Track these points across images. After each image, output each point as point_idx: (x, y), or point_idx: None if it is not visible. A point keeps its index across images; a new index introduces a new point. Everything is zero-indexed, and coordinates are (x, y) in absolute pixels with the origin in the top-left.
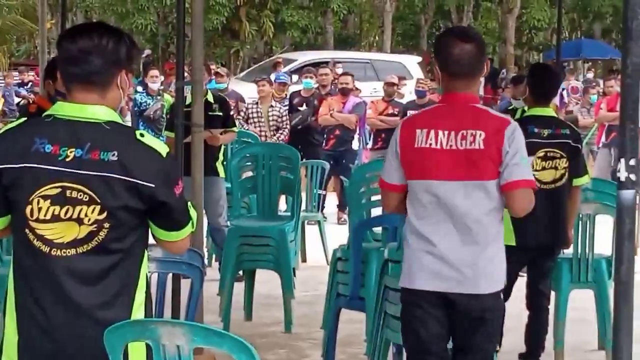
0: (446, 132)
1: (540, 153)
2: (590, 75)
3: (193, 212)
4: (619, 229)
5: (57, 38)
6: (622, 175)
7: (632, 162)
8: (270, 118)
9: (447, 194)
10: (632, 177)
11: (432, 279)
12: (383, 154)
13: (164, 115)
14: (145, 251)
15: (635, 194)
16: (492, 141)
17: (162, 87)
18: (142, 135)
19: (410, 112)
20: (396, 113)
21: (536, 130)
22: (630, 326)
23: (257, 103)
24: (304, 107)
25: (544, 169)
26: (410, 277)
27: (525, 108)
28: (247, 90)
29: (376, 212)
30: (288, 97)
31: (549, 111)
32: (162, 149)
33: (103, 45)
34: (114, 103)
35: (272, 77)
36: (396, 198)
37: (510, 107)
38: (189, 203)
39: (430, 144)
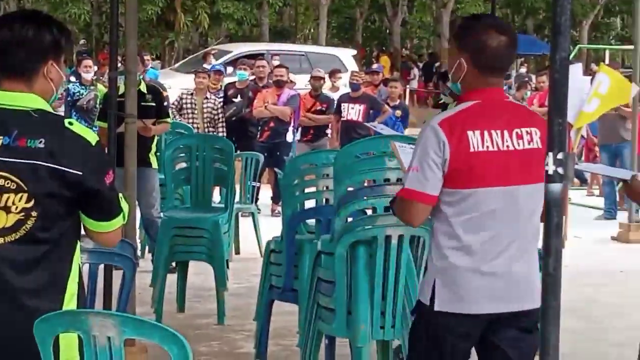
0: (499, 132)
1: None
2: (523, 70)
3: (124, 205)
4: (546, 222)
5: None
6: (550, 168)
7: (560, 155)
8: (205, 110)
9: (511, 199)
10: (560, 170)
11: (490, 301)
12: (313, 146)
13: (97, 106)
14: (78, 242)
15: (563, 187)
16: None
17: (95, 77)
18: (70, 123)
19: (344, 105)
20: (324, 109)
21: None
22: (557, 318)
23: (191, 94)
24: (239, 98)
25: None
26: (460, 301)
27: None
28: (181, 82)
29: (310, 204)
30: (223, 88)
31: None
32: (91, 137)
33: (24, 35)
34: (43, 94)
35: (205, 67)
36: (429, 210)
37: (441, 102)
38: (121, 195)
39: (488, 147)
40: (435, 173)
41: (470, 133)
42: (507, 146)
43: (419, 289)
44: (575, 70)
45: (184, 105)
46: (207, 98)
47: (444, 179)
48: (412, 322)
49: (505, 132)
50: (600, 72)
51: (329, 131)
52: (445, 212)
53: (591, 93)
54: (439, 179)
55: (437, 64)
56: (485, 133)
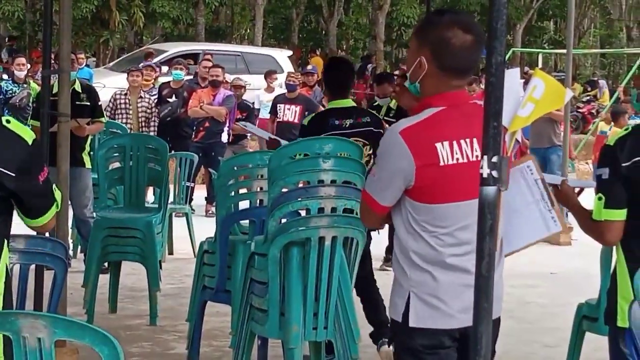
0: (468, 141)
1: None
2: None
3: (57, 193)
4: (480, 225)
5: None
6: (485, 172)
7: (494, 159)
8: (140, 109)
9: None
10: (494, 173)
11: (466, 313)
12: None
13: (30, 104)
14: (5, 241)
15: (497, 190)
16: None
17: (29, 75)
18: (8, 121)
19: (280, 106)
20: (243, 117)
21: (337, 122)
22: (489, 320)
23: (125, 94)
24: (173, 98)
25: None
26: (438, 316)
27: (391, 104)
28: (116, 81)
29: (244, 205)
30: (157, 87)
31: (348, 102)
32: (28, 135)
33: None
34: None
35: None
36: (380, 219)
37: (375, 104)
38: (54, 185)
39: (458, 159)
40: (392, 186)
41: (438, 145)
42: (477, 156)
43: (389, 306)
44: (512, 75)
45: (119, 105)
46: (141, 97)
47: (412, 193)
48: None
49: (475, 140)
50: (535, 77)
51: (249, 135)
52: (415, 227)
53: (526, 97)
54: (396, 192)
55: (371, 66)
56: (454, 144)
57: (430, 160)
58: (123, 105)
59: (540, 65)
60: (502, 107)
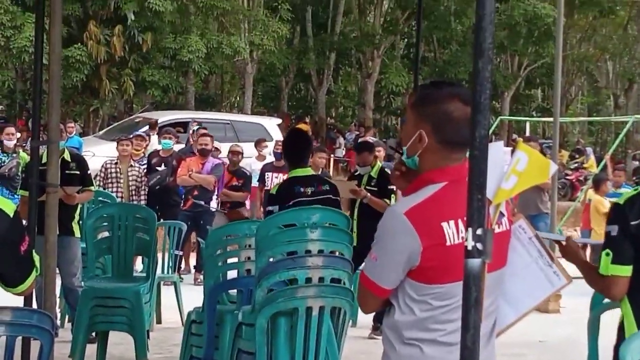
0: None
1: None
2: None
3: (36, 258)
4: (465, 297)
5: None
6: (470, 244)
7: (479, 231)
8: (130, 178)
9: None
10: (479, 246)
11: None
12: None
13: (19, 174)
14: None
15: (482, 262)
16: (511, 219)
17: (18, 145)
18: None
19: (268, 174)
20: (240, 185)
21: (302, 189)
22: None
23: (116, 163)
24: (163, 167)
25: None
26: None
27: (372, 173)
28: (106, 149)
29: (232, 274)
30: (146, 156)
31: (308, 171)
32: (9, 208)
33: None
34: None
35: (153, 139)
36: (380, 302)
37: (357, 173)
38: (33, 251)
39: (463, 237)
40: (395, 268)
41: (445, 225)
42: None
43: None
44: (496, 147)
45: (109, 175)
46: (131, 166)
47: (415, 273)
48: None
49: None
50: (519, 150)
51: (247, 202)
52: (411, 305)
53: (509, 170)
54: (400, 274)
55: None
56: (460, 222)
57: (437, 241)
58: (114, 175)
59: (527, 132)
60: (486, 180)
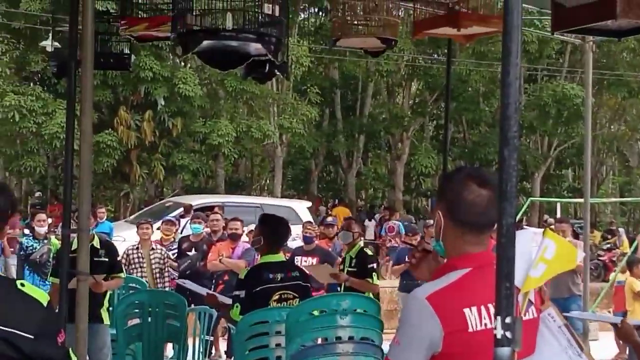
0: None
1: (276, 296)
2: None
3: (73, 357)
4: None
5: None
6: (499, 332)
7: (508, 319)
8: (153, 261)
9: None
10: (508, 334)
11: None
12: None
13: (50, 260)
14: None
15: (511, 351)
16: (539, 307)
17: (49, 231)
18: (22, 284)
19: (297, 258)
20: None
21: (271, 275)
22: None
23: (137, 248)
24: (193, 252)
25: None
26: None
27: (351, 253)
28: (136, 235)
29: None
30: (177, 241)
31: (280, 257)
32: (43, 298)
33: None
34: None
35: (182, 221)
36: None
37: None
38: (70, 349)
39: (486, 324)
40: (417, 353)
41: (467, 311)
42: None
43: None
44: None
45: (132, 260)
46: (153, 249)
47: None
48: None
49: None
50: (546, 238)
51: None
52: None
53: (537, 258)
54: (422, 359)
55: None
56: (483, 309)
57: (459, 327)
58: (136, 260)
59: (559, 213)
60: (514, 268)
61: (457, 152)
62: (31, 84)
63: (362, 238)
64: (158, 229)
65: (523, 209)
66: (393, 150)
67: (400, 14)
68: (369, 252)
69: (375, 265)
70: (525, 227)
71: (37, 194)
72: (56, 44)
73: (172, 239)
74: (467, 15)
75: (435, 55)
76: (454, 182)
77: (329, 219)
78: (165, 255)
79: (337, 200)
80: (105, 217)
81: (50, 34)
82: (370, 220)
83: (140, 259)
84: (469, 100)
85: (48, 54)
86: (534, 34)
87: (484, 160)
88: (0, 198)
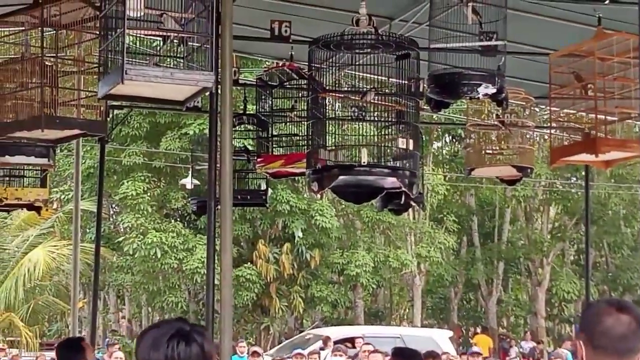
0: None
1: None
2: None
3: None
4: None
5: None
6: None
7: None
8: None
9: None
10: None
11: None
12: None
13: None
14: None
15: None
16: None
17: None
18: None
19: None
20: None
21: None
22: None
23: None
24: None
25: None
26: None
27: None
28: None
29: None
30: None
31: None
32: None
33: None
34: None
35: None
36: None
37: None
38: None
39: None
40: None
41: None
42: None
43: None
44: None
45: None
46: None
47: None
48: None
49: None
50: None
51: None
52: None
53: None
54: None
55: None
56: None
57: None
58: None
59: None
60: None
61: (599, 276)
62: (172, 221)
63: None
64: None
65: None
66: (533, 276)
67: (535, 137)
68: None
69: None
70: None
71: None
72: (195, 181)
73: None
74: (605, 141)
75: (573, 179)
76: (594, 308)
77: (474, 348)
78: None
79: (478, 329)
80: (246, 352)
81: (190, 172)
82: (518, 347)
83: None
84: (610, 223)
85: (188, 192)
86: None
87: (627, 285)
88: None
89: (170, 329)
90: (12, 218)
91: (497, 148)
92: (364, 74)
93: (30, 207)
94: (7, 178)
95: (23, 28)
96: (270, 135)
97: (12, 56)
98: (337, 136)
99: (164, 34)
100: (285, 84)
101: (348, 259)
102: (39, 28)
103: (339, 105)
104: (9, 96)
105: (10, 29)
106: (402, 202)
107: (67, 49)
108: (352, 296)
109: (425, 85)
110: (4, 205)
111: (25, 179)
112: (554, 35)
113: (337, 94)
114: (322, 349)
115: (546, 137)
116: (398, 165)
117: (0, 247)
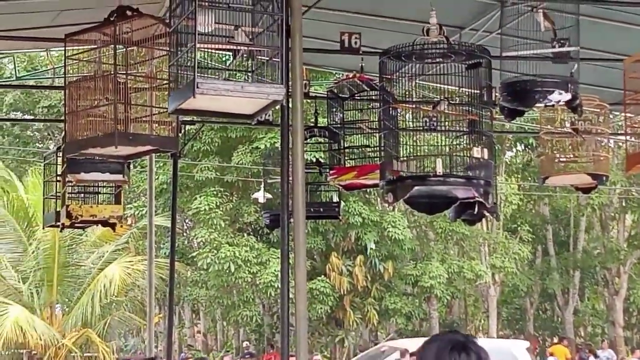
0: None
1: None
2: None
3: None
4: None
5: None
6: None
7: None
8: None
9: None
10: None
11: None
12: None
13: None
14: None
15: None
16: None
17: None
18: None
19: None
20: None
21: None
22: None
23: None
24: None
25: None
26: None
27: None
28: None
29: None
30: None
31: None
32: None
33: None
34: None
35: None
36: None
37: None
38: None
39: None
40: None
41: None
42: None
43: None
44: None
45: None
46: None
47: None
48: None
49: None
50: None
51: None
52: None
53: None
54: None
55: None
56: None
57: None
58: None
59: None
60: None
61: None
62: (245, 235)
63: None
64: None
65: None
66: (610, 285)
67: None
68: None
69: None
70: None
71: (244, 343)
72: (268, 195)
73: None
74: None
75: None
76: None
77: (550, 358)
78: None
79: (555, 339)
80: None
81: (262, 186)
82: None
83: None
84: None
85: (260, 206)
86: None
87: None
88: None
89: (450, 341)
90: (87, 235)
91: (571, 156)
92: (435, 84)
93: (105, 223)
94: (82, 195)
95: (96, 46)
96: (341, 147)
97: (86, 74)
98: (409, 147)
99: (235, 47)
100: (355, 95)
101: (422, 270)
102: (111, 45)
103: (409, 116)
104: (83, 113)
105: (83, 47)
106: (475, 212)
107: (138, 66)
108: (426, 308)
109: (497, 93)
110: (80, 222)
111: (99, 195)
112: (627, 41)
113: (409, 105)
114: None
115: (621, 144)
116: (472, 175)
117: (76, 263)
